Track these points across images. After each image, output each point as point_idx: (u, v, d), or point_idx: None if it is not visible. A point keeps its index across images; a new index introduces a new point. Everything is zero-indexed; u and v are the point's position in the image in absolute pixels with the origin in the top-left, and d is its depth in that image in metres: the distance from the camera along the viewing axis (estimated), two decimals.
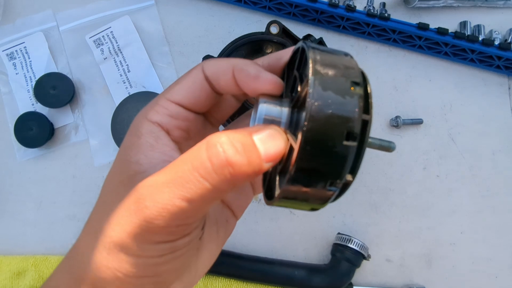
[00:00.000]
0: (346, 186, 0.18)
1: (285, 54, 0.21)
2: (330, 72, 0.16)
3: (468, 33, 0.44)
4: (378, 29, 0.43)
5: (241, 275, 0.41)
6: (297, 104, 0.18)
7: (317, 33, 0.45)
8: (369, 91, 0.18)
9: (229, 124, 0.25)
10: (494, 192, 0.44)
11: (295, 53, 0.20)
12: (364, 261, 0.41)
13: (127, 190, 0.18)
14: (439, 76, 0.45)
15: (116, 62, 0.45)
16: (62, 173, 0.45)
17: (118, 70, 0.45)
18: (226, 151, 0.16)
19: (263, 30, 0.39)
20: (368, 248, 0.41)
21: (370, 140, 0.20)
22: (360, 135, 0.17)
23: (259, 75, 0.19)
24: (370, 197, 0.44)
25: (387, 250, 0.43)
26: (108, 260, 0.17)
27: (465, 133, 0.45)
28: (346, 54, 0.18)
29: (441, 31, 0.42)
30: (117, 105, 0.43)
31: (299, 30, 0.45)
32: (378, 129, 0.44)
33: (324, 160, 0.16)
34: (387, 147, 0.22)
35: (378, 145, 0.21)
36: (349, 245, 0.40)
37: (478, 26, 0.44)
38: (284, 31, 0.40)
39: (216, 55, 0.40)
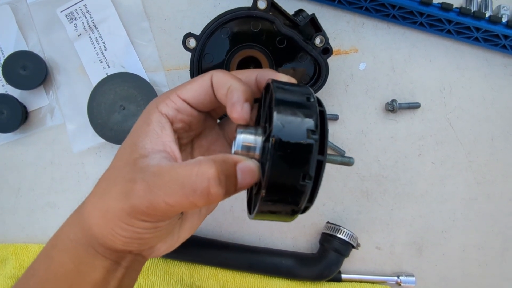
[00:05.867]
0: (306, 208, 0.22)
1: (272, 75, 0.25)
2: (290, 123, 0.20)
3: (474, 9, 0.40)
4: (376, 4, 0.39)
5: (227, 264, 0.40)
6: (268, 137, 0.21)
7: (309, 7, 0.41)
8: (325, 133, 0.21)
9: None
10: (490, 179, 0.42)
11: (268, 85, 0.23)
12: (354, 249, 0.40)
13: (130, 171, 0.22)
14: (440, 56, 0.42)
15: (91, 39, 0.41)
16: (40, 159, 0.42)
17: (94, 48, 0.41)
18: (210, 183, 0.21)
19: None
20: (357, 238, 0.40)
21: (332, 158, 0.25)
22: (315, 174, 0.20)
23: (235, 104, 0.23)
24: (362, 185, 0.42)
25: (377, 238, 0.42)
26: (107, 222, 0.23)
27: (464, 118, 0.42)
28: (309, 98, 0.21)
29: (445, 7, 0.38)
30: (94, 86, 0.40)
31: (290, 5, 0.41)
32: (373, 114, 0.42)
33: (285, 196, 0.20)
34: (347, 162, 0.25)
35: (339, 161, 0.25)
36: (338, 235, 0.39)
37: (485, 0, 0.41)
38: (273, 6, 0.36)
39: (198, 33, 0.36)
